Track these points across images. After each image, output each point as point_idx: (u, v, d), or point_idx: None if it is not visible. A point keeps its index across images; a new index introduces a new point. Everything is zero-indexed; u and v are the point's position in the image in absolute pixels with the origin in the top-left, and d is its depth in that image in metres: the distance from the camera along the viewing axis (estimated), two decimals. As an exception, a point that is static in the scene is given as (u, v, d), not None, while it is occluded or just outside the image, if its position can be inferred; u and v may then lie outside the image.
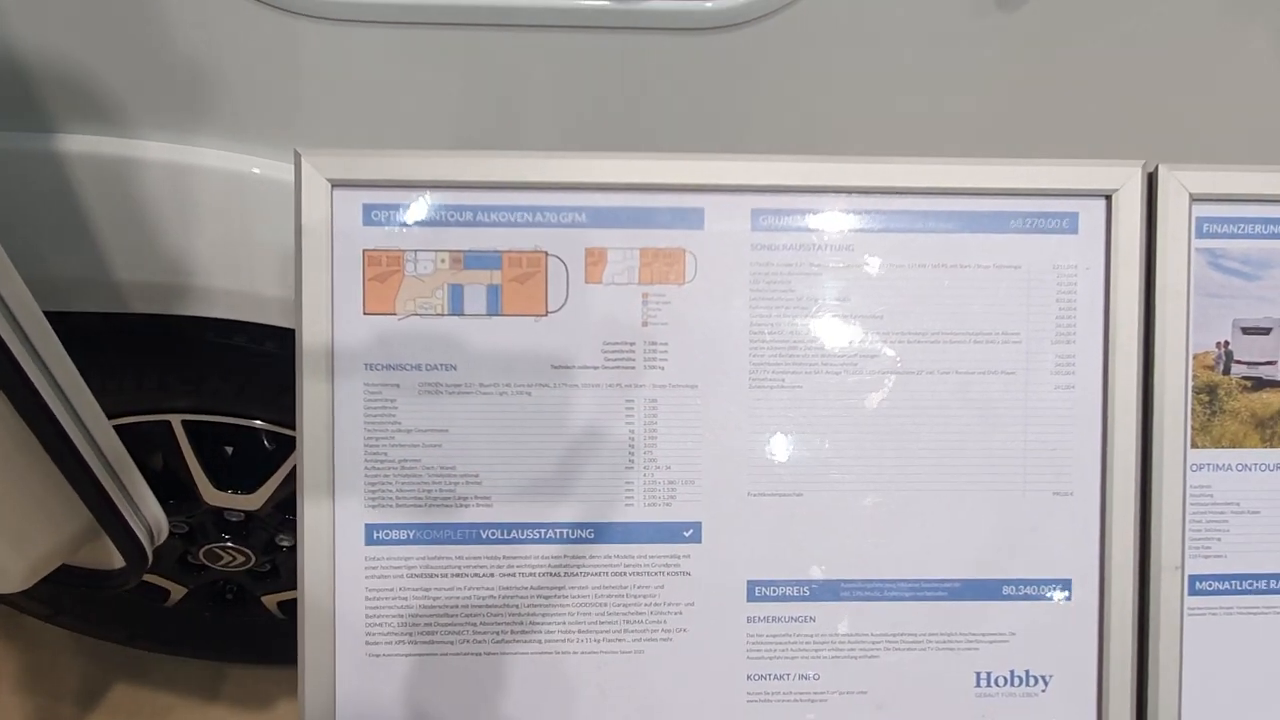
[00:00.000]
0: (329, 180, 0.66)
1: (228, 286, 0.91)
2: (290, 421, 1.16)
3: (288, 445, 1.23)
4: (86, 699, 1.66)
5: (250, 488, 1.28)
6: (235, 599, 1.52)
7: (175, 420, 1.16)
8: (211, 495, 1.26)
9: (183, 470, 1.22)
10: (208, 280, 0.90)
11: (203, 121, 0.82)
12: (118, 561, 0.86)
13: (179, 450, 1.20)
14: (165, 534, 0.89)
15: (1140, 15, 0.76)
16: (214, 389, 1.11)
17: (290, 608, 1.51)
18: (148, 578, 1.41)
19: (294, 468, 1.25)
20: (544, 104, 0.80)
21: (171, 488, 1.23)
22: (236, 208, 0.86)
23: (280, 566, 1.43)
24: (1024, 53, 0.77)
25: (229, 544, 1.36)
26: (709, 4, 0.72)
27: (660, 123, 0.79)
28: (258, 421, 1.18)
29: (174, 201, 0.85)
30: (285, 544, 1.38)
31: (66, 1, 0.74)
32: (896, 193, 0.69)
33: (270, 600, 1.49)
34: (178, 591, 1.46)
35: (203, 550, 1.36)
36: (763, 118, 0.79)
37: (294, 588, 1.45)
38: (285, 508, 1.32)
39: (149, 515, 0.84)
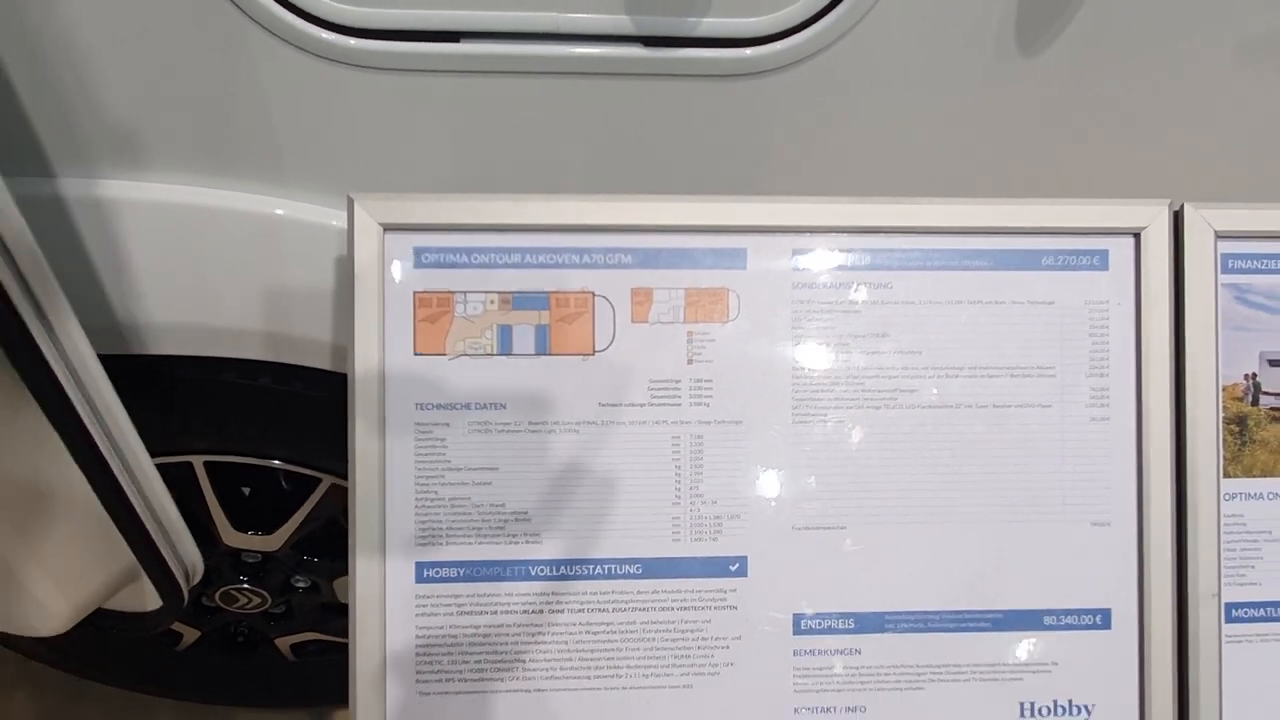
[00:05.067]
0: (381, 224, 0.68)
1: (254, 327, 0.92)
2: (311, 462, 1.17)
3: (305, 486, 1.23)
4: (91, 744, 1.64)
5: (268, 529, 1.28)
6: (247, 642, 1.51)
7: (197, 461, 1.16)
8: (230, 536, 1.26)
9: (202, 512, 1.22)
10: (234, 321, 0.91)
11: (231, 165, 0.83)
12: (152, 603, 0.86)
13: (200, 492, 1.20)
14: (200, 575, 0.89)
15: (1152, 60, 0.79)
16: (238, 430, 1.12)
17: (302, 650, 1.50)
18: (161, 621, 1.40)
19: (312, 508, 1.25)
20: (578, 150, 0.81)
21: (190, 529, 1.23)
22: (263, 249, 0.87)
23: (295, 608, 1.42)
24: (1046, 94, 0.80)
25: (245, 585, 1.35)
26: (749, 52, 0.74)
27: (697, 167, 0.81)
28: (276, 462, 1.18)
29: (200, 243, 0.86)
30: (301, 585, 1.38)
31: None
32: (932, 232, 0.71)
33: (284, 643, 1.48)
34: (191, 635, 1.44)
35: (219, 592, 1.36)
36: (796, 161, 0.81)
37: (308, 629, 1.45)
38: (302, 548, 1.31)
39: (185, 556, 0.85)
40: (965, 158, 0.83)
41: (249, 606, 1.39)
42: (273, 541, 1.28)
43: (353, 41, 0.74)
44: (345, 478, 1.20)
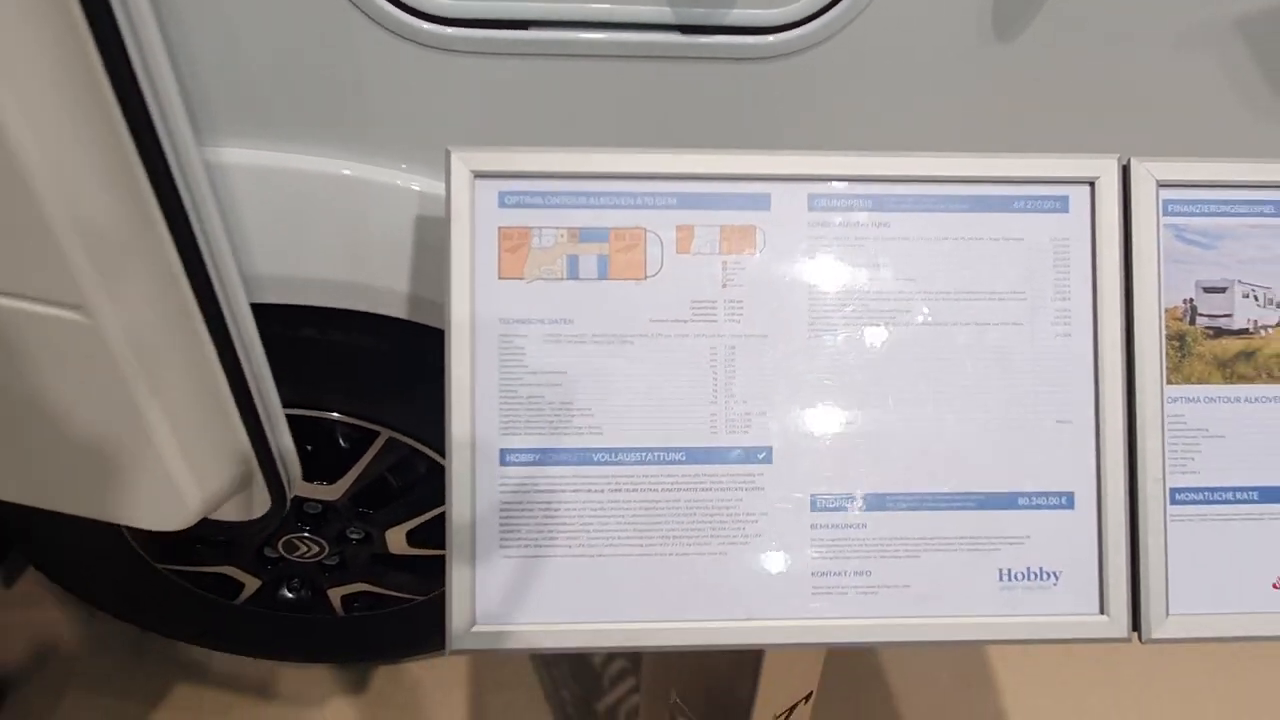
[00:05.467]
0: (473, 172, 0.83)
1: (337, 277, 1.05)
2: (372, 415, 1.29)
3: (362, 439, 1.35)
4: (151, 697, 1.73)
5: (330, 479, 1.40)
6: (298, 597, 1.61)
7: (273, 413, 1.28)
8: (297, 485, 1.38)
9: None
10: (318, 271, 1.03)
11: (340, 136, 0.98)
12: (259, 509, 1.00)
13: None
14: (298, 483, 1.03)
15: (1115, 44, 0.94)
16: (314, 382, 1.24)
17: (351, 605, 1.62)
18: (226, 570, 1.52)
19: (371, 461, 1.38)
20: (625, 121, 0.96)
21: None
22: (346, 205, 1.01)
23: (348, 560, 1.54)
24: (1020, 73, 0.95)
25: (306, 534, 1.47)
26: (771, 38, 0.89)
27: (726, 133, 0.96)
28: (336, 414, 1.29)
29: (302, 203, 1.00)
30: (355, 536, 1.50)
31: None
32: (923, 180, 0.85)
33: (335, 594, 1.59)
34: (252, 585, 1.56)
35: (281, 541, 1.48)
36: (810, 127, 0.96)
37: (359, 580, 1.57)
38: (359, 500, 1.44)
39: (289, 464, 0.99)
40: (954, 126, 0.98)
41: (307, 555, 1.51)
42: (334, 491, 1.40)
43: (448, 30, 0.89)
44: (402, 432, 1.34)
